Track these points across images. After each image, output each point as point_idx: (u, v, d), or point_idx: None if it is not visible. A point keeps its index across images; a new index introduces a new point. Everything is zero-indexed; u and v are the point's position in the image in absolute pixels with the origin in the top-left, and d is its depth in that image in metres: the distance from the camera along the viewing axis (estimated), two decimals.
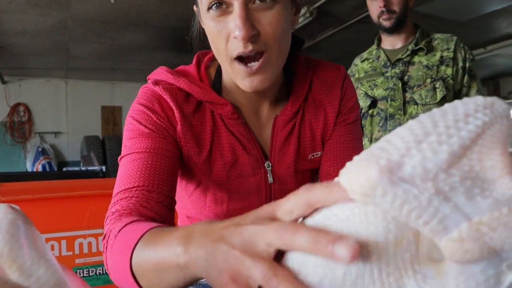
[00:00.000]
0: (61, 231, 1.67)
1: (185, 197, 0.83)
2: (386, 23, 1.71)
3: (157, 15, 3.80)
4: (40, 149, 6.24)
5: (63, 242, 1.67)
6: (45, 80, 6.51)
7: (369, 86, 1.81)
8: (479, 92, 1.72)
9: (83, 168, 5.41)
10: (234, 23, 0.62)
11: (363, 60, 1.89)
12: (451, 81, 1.69)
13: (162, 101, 0.73)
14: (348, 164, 0.29)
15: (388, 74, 1.75)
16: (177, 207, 0.89)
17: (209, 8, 0.64)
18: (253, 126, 0.78)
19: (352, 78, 1.94)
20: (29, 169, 6.16)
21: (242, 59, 0.65)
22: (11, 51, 4.93)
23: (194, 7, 0.75)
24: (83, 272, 1.69)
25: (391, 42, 1.80)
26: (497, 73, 7.22)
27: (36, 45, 4.73)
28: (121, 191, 0.67)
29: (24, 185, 2.17)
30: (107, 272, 0.61)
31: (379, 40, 1.87)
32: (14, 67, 5.70)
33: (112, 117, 6.99)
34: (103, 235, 0.64)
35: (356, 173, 0.28)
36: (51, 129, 6.60)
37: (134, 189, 0.66)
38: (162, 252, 0.44)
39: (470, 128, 0.28)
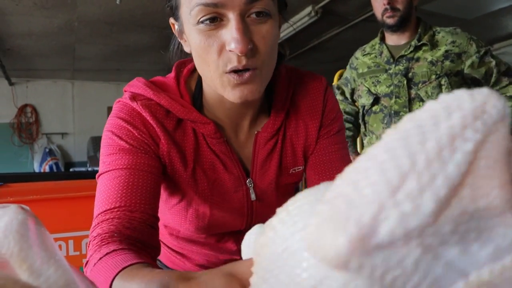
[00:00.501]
0: (68, 231, 1.68)
1: (165, 209, 0.81)
2: (390, 21, 1.70)
3: (162, 16, 3.78)
4: (47, 150, 6.29)
5: (71, 242, 1.68)
6: (51, 81, 6.55)
7: (372, 83, 1.80)
8: (507, 66, 1.70)
9: (89, 169, 5.45)
10: (230, 35, 0.59)
11: (365, 55, 1.88)
12: (454, 78, 1.67)
13: (141, 117, 0.69)
14: (311, 229, 0.23)
15: (391, 71, 1.74)
16: None
17: (199, 22, 0.60)
18: (234, 143, 0.76)
19: (354, 71, 1.93)
20: (37, 170, 6.21)
21: (233, 71, 0.62)
22: (18, 53, 4.98)
23: (171, 20, 0.71)
24: None
25: (395, 40, 1.79)
26: None
27: (43, 47, 4.77)
28: (102, 213, 0.63)
29: (32, 186, 2.18)
30: None
31: (383, 34, 1.85)
32: (21, 68, 5.75)
33: None
34: (85, 263, 0.61)
35: (322, 244, 0.21)
36: (58, 130, 6.64)
37: (116, 209, 0.62)
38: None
39: (458, 158, 0.21)
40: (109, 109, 6.91)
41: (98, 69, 6.02)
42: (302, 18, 4.00)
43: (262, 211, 0.80)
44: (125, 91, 0.75)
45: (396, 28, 1.72)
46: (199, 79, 0.75)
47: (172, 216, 0.81)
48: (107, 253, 0.56)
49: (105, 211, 0.63)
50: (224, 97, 0.66)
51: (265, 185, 0.78)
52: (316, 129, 0.79)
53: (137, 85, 0.73)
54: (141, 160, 0.67)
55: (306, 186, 0.82)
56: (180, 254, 0.89)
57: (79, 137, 6.72)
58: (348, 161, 0.81)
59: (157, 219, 0.68)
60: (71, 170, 5.89)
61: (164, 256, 0.93)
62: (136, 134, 0.68)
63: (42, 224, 0.31)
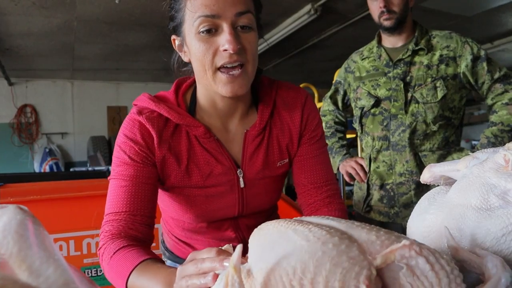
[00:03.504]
0: (69, 231, 1.68)
1: (169, 203, 0.98)
2: (386, 23, 1.71)
3: (161, 14, 3.80)
4: (47, 150, 6.29)
5: (71, 242, 1.68)
6: (51, 81, 6.55)
7: (372, 86, 1.80)
8: (503, 72, 1.69)
9: (90, 168, 5.45)
10: (224, 39, 0.78)
11: (364, 59, 1.88)
12: (451, 81, 1.68)
13: (143, 130, 0.87)
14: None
15: (390, 75, 1.75)
16: (162, 210, 1.06)
17: (199, 31, 0.79)
18: (224, 141, 0.92)
19: (350, 75, 1.93)
20: (37, 170, 6.21)
21: (225, 69, 0.80)
22: (17, 53, 4.97)
23: (173, 37, 0.90)
24: (91, 272, 1.70)
25: (392, 41, 1.79)
26: None
27: (42, 47, 4.77)
28: (111, 213, 0.85)
29: (32, 186, 2.19)
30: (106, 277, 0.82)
31: (379, 37, 1.86)
32: (21, 68, 5.75)
33: (118, 117, 7.02)
34: (99, 247, 0.85)
35: None
36: (58, 130, 6.65)
37: (122, 213, 0.84)
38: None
39: None
40: (109, 108, 6.94)
41: (98, 69, 6.02)
42: (302, 16, 3.99)
43: (252, 199, 0.97)
44: (134, 105, 0.92)
45: (393, 30, 1.73)
46: (194, 91, 0.93)
47: (176, 209, 0.97)
48: (119, 248, 0.79)
49: (113, 212, 0.85)
50: (216, 96, 0.87)
51: (252, 174, 0.94)
52: (297, 133, 0.96)
53: (142, 99, 0.91)
54: (140, 172, 0.87)
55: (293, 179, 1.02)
56: (186, 244, 1.06)
57: (79, 137, 6.73)
58: (327, 161, 1.02)
59: (154, 218, 0.89)
60: (71, 170, 5.89)
61: (173, 246, 1.10)
62: (136, 149, 0.87)
63: (40, 224, 0.31)
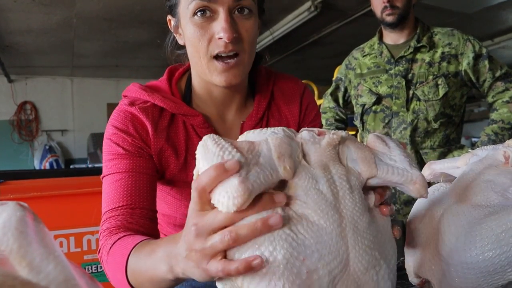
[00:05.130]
0: (69, 228, 1.68)
1: (162, 198, 0.92)
2: (389, 19, 1.70)
3: (161, 11, 3.78)
4: (47, 147, 6.29)
5: (72, 239, 1.68)
6: (51, 78, 6.54)
7: (373, 83, 1.80)
8: (504, 71, 1.69)
9: (90, 165, 5.45)
10: (220, 26, 0.72)
11: (365, 55, 1.88)
12: (452, 79, 1.68)
13: (136, 122, 0.80)
14: None
15: (392, 72, 1.74)
16: None
17: (194, 14, 0.74)
18: (221, 131, 0.87)
19: (351, 72, 1.93)
20: (37, 167, 6.21)
21: (220, 58, 0.75)
22: (17, 50, 4.96)
23: (169, 17, 0.84)
24: (91, 268, 1.70)
25: (393, 38, 1.79)
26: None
27: (42, 44, 4.76)
28: (108, 211, 0.77)
29: (32, 183, 2.19)
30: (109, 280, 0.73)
31: (381, 34, 1.85)
32: (20, 65, 5.74)
33: None
34: (98, 249, 0.76)
35: None
36: (57, 127, 6.64)
37: (120, 208, 0.76)
38: (152, 270, 0.58)
39: None
40: (109, 105, 6.93)
41: (97, 66, 6.00)
42: (302, 13, 3.98)
43: None
44: (124, 96, 0.85)
45: (395, 26, 1.72)
46: (189, 79, 0.87)
47: (168, 205, 0.92)
48: (118, 239, 0.70)
49: (110, 209, 0.76)
50: (212, 85, 0.81)
51: None
52: (295, 124, 0.92)
53: (133, 89, 0.84)
54: (137, 163, 0.79)
55: None
56: None
57: (79, 134, 6.72)
58: None
59: (155, 212, 0.80)
60: (71, 167, 5.90)
61: None
62: (130, 140, 0.79)
63: (40, 221, 0.31)
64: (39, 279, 0.28)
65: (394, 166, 0.49)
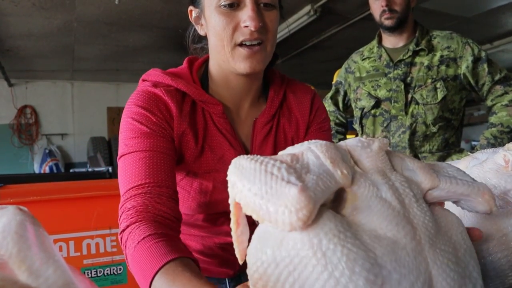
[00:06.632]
0: (68, 232, 1.68)
1: None
2: (387, 22, 1.70)
3: (161, 15, 3.81)
4: (47, 151, 6.28)
5: (71, 243, 1.68)
6: (51, 82, 6.55)
7: (372, 87, 1.80)
8: (503, 74, 1.69)
9: (89, 169, 5.45)
10: (247, 15, 0.75)
11: (364, 59, 1.88)
12: (451, 82, 1.68)
13: (160, 103, 0.80)
14: None
15: (391, 75, 1.75)
16: None
17: (220, 5, 0.76)
18: (235, 124, 0.89)
19: (350, 75, 1.93)
20: (37, 171, 6.21)
21: (244, 45, 0.77)
22: (17, 54, 4.97)
23: (190, 7, 0.86)
24: (91, 273, 1.70)
25: (392, 41, 1.79)
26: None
27: (42, 48, 4.77)
28: (133, 187, 0.73)
29: (32, 187, 2.18)
30: (127, 265, 0.69)
31: (380, 37, 1.86)
32: (21, 69, 5.75)
33: (117, 118, 7.02)
34: (120, 230, 0.71)
35: None
36: (57, 131, 6.64)
37: (146, 185, 0.73)
38: None
39: None
40: (109, 109, 6.94)
41: (97, 70, 6.02)
42: (301, 17, 3.99)
43: None
44: (144, 80, 0.86)
45: (394, 30, 1.73)
46: (206, 69, 0.89)
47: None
48: (145, 237, 0.66)
49: (135, 186, 0.73)
50: (231, 74, 0.83)
51: None
52: (305, 126, 0.94)
53: (155, 74, 0.85)
54: (160, 143, 0.78)
55: None
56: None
57: (79, 138, 6.72)
58: None
59: (177, 193, 0.79)
60: (71, 171, 5.89)
61: None
62: (154, 120, 0.79)
63: (40, 225, 0.31)
64: (39, 284, 0.28)
65: (456, 177, 0.44)
